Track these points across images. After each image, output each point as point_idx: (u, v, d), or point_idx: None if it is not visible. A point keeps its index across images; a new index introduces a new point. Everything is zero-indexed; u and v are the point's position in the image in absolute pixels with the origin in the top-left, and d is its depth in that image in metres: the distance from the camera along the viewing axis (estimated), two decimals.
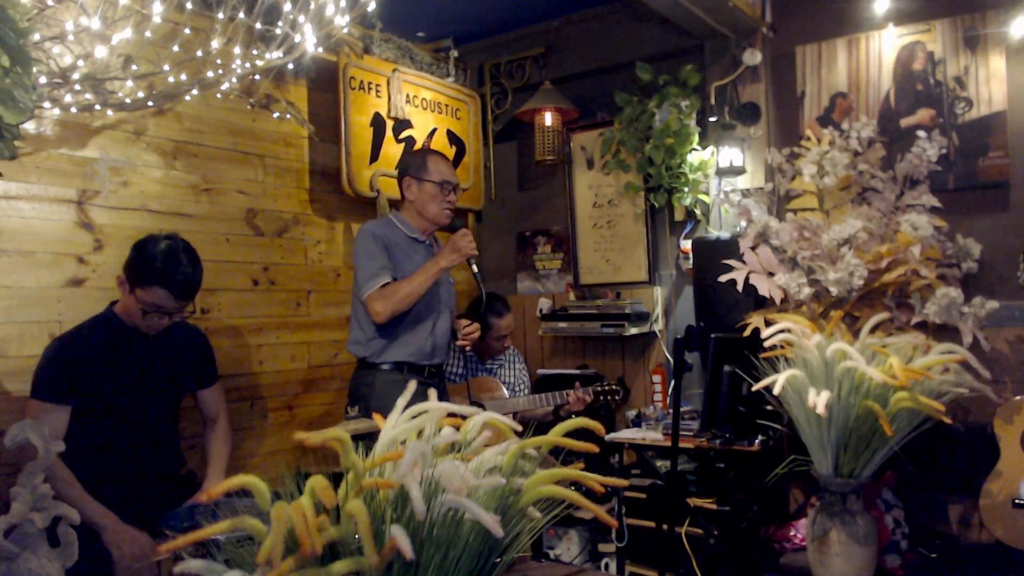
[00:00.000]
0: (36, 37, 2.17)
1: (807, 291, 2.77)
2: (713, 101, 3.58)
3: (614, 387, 3.44)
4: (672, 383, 3.33)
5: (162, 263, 2.14)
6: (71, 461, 2.09)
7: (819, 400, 1.77)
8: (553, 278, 4.33)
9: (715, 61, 3.61)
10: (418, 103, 3.85)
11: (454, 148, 4.05)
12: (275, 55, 2.66)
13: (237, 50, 2.67)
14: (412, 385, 1.21)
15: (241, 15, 2.53)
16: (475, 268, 2.82)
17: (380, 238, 2.76)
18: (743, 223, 3.22)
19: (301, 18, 2.51)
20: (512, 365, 3.79)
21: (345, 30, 2.73)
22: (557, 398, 3.42)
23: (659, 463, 3.24)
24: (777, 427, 2.54)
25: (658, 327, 3.87)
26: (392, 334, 2.77)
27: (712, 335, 2.58)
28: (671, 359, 3.72)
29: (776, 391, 1.85)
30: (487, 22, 4.12)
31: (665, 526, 2.78)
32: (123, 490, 2.17)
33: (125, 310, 2.24)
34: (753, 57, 3.46)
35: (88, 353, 2.18)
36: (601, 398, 3.40)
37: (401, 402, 1.14)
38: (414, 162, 2.87)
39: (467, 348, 2.93)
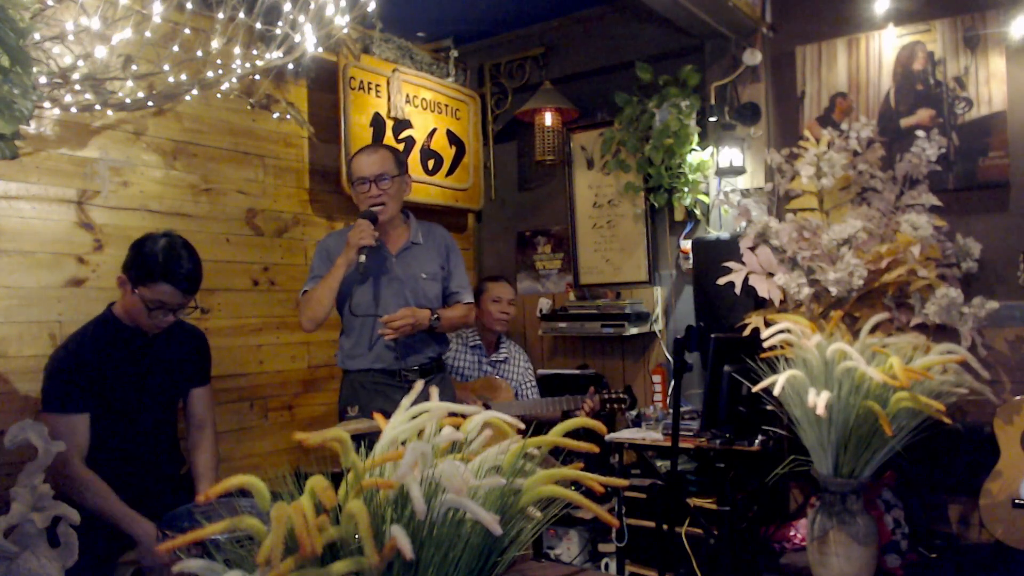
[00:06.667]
0: (36, 37, 2.17)
1: (807, 291, 2.77)
2: (713, 101, 3.57)
3: (621, 395, 3.40)
4: (672, 383, 3.32)
5: (164, 259, 2.15)
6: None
7: (819, 400, 1.77)
8: (553, 278, 4.32)
9: (715, 61, 3.61)
10: (418, 103, 3.84)
11: (454, 148, 4.05)
12: (275, 55, 2.67)
13: (237, 50, 2.67)
14: (418, 385, 1.18)
15: (241, 15, 2.53)
16: (361, 258, 2.54)
17: (325, 248, 2.75)
18: (743, 223, 3.22)
19: (301, 18, 2.52)
20: (516, 362, 3.74)
21: (345, 30, 2.72)
22: (570, 403, 3.37)
23: (659, 463, 3.24)
24: (777, 430, 2.54)
25: (658, 327, 3.87)
26: (349, 341, 2.75)
27: (712, 335, 2.58)
28: (671, 359, 3.72)
29: (776, 392, 1.85)
30: (487, 22, 4.12)
31: (665, 526, 2.78)
32: (124, 491, 2.16)
33: (125, 310, 2.24)
34: (753, 57, 3.46)
35: (96, 356, 2.18)
36: (607, 406, 3.37)
37: (405, 402, 1.14)
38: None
39: (387, 337, 2.64)
